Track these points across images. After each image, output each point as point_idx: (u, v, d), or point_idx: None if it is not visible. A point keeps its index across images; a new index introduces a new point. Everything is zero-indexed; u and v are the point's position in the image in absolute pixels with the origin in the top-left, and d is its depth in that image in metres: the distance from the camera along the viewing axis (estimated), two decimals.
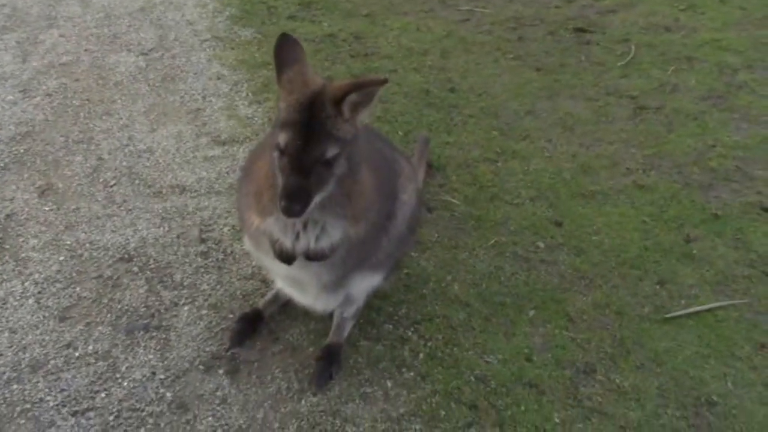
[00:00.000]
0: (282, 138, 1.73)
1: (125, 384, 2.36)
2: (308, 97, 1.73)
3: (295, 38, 1.87)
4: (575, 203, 3.29)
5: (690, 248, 3.03)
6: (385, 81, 1.74)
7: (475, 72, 4.40)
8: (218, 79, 4.20)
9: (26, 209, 3.09)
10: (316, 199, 1.77)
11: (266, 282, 2.71)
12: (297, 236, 1.99)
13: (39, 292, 2.69)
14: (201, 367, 2.43)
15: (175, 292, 2.72)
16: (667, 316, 2.70)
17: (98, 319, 2.59)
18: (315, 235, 1.98)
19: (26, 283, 2.72)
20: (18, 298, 2.66)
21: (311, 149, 1.71)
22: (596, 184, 3.42)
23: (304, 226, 1.97)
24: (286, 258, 2.06)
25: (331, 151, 1.73)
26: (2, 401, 2.28)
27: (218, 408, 2.29)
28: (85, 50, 4.48)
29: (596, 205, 3.28)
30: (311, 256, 2.03)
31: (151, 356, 2.46)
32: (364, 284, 2.35)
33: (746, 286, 2.85)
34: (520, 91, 4.20)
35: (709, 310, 2.73)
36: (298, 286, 2.31)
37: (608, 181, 3.45)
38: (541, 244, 3.04)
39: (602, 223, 3.17)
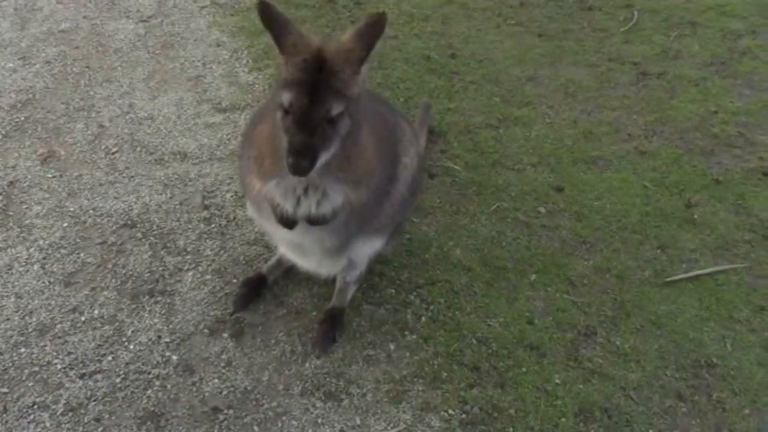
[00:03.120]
0: (286, 97, 1.72)
1: (131, 347, 2.39)
2: (314, 56, 1.72)
3: (273, 4, 1.83)
4: (577, 169, 3.29)
5: (691, 213, 3.04)
6: (384, 22, 1.74)
7: (477, 38, 4.36)
8: (218, 45, 4.17)
9: (29, 176, 3.09)
10: (322, 158, 1.76)
11: (269, 247, 2.73)
12: (298, 201, 1.99)
13: (44, 258, 2.71)
14: (206, 330, 2.46)
15: (179, 258, 2.74)
16: (668, 279, 2.73)
17: (103, 284, 2.61)
18: (316, 200, 1.98)
19: (31, 249, 2.74)
20: (23, 264, 2.68)
21: (317, 107, 1.70)
22: (598, 150, 3.42)
23: (305, 191, 1.97)
24: (288, 223, 2.07)
25: (337, 109, 1.72)
26: (11, 364, 2.31)
27: (223, 370, 2.32)
28: (84, 17, 4.43)
29: (598, 171, 3.28)
30: (313, 221, 2.04)
31: (156, 320, 2.49)
32: (366, 248, 2.36)
33: (746, 250, 2.87)
34: (522, 58, 4.17)
35: (709, 274, 2.76)
36: (301, 251, 2.32)
37: (610, 147, 3.45)
38: (543, 210, 3.05)
39: (603, 188, 3.17)
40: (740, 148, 3.45)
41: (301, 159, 1.70)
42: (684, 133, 3.56)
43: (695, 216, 3.03)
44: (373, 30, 1.74)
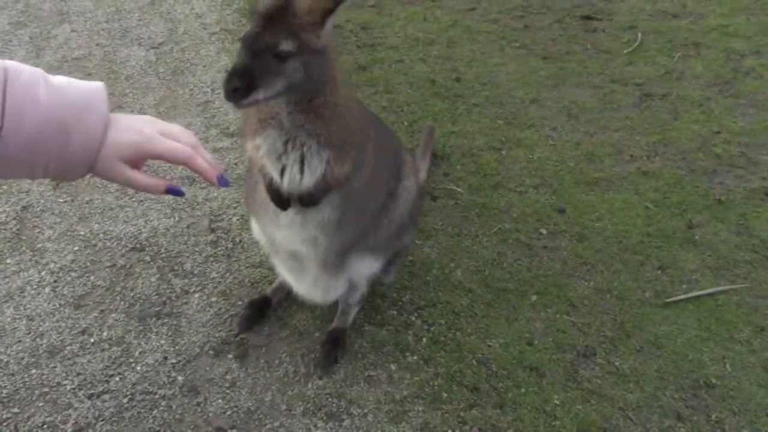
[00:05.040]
0: (247, 29, 1.74)
1: (138, 368, 2.44)
2: None
3: None
4: (579, 190, 3.33)
5: (692, 234, 3.06)
6: None
7: (481, 61, 4.43)
8: (227, 71, 4.26)
9: (41, 201, 3.18)
10: (261, 93, 1.70)
11: (273, 270, 2.77)
12: (282, 168, 1.98)
13: (55, 281, 2.78)
14: (211, 351, 2.51)
15: (186, 280, 2.80)
16: (668, 300, 2.75)
17: (112, 307, 2.68)
18: (297, 164, 1.95)
19: (43, 273, 2.82)
20: (35, 286, 2.75)
21: (265, 36, 1.69)
22: (600, 171, 3.46)
23: (284, 146, 1.94)
24: (278, 196, 2.05)
25: (286, 45, 1.69)
26: (22, 385, 2.37)
27: (228, 391, 2.37)
28: (97, 44, 4.55)
29: (599, 192, 3.32)
30: (302, 199, 2.02)
31: (162, 342, 2.54)
32: (363, 268, 2.39)
33: (747, 270, 2.88)
34: (526, 80, 4.23)
35: (709, 295, 2.77)
36: (297, 264, 2.32)
37: (612, 168, 3.48)
38: (544, 231, 3.08)
39: (605, 209, 3.21)
40: (743, 169, 3.48)
41: (235, 79, 1.67)
42: (686, 153, 3.59)
43: (696, 236, 3.05)
44: None
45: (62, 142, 1.24)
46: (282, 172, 1.99)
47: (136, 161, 1.34)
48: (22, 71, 1.24)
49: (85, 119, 1.25)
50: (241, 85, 1.66)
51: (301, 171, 1.97)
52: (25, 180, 3.26)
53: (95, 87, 1.30)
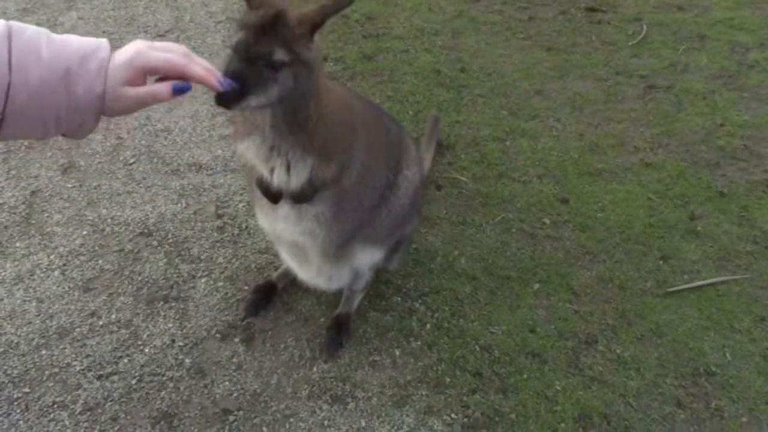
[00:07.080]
0: (236, 38, 1.70)
1: (146, 350, 2.48)
2: (274, 10, 1.69)
3: None
4: (582, 181, 3.35)
5: (694, 225, 3.09)
6: (346, 3, 1.72)
7: (486, 52, 4.44)
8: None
9: (50, 186, 3.21)
10: (252, 100, 1.68)
11: (278, 256, 2.81)
12: (271, 170, 2.01)
13: (64, 265, 2.82)
14: (218, 335, 2.55)
15: (193, 265, 2.83)
16: (669, 290, 2.78)
17: (120, 290, 2.72)
18: (284, 167, 1.98)
19: (52, 256, 2.85)
20: (44, 270, 2.79)
21: (259, 46, 1.67)
22: (603, 163, 3.48)
23: (271, 154, 1.97)
24: (269, 191, 2.08)
25: (279, 55, 1.68)
26: (32, 366, 2.41)
27: (234, 373, 2.41)
28: (103, 32, 4.57)
29: (603, 183, 3.34)
30: (293, 196, 2.06)
31: (170, 325, 2.58)
32: (366, 257, 2.41)
33: (749, 261, 2.91)
34: (530, 71, 4.24)
35: (710, 285, 2.80)
36: (300, 253, 2.35)
37: (615, 160, 3.50)
38: (547, 221, 3.11)
39: (608, 200, 3.23)
40: (746, 161, 3.49)
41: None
42: (690, 145, 3.61)
43: (699, 227, 3.07)
44: (334, 6, 1.73)
45: (67, 90, 1.30)
46: (271, 172, 2.02)
47: (136, 80, 1.38)
48: (26, 28, 1.30)
49: (86, 65, 1.32)
50: (233, 92, 1.61)
51: (288, 173, 2.00)
52: (34, 165, 3.31)
53: (97, 39, 1.36)
